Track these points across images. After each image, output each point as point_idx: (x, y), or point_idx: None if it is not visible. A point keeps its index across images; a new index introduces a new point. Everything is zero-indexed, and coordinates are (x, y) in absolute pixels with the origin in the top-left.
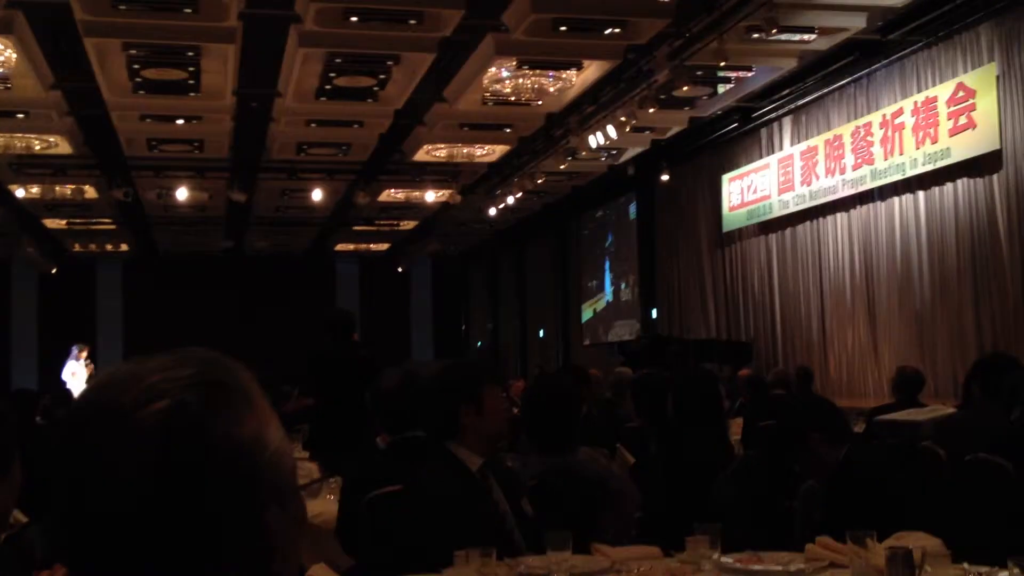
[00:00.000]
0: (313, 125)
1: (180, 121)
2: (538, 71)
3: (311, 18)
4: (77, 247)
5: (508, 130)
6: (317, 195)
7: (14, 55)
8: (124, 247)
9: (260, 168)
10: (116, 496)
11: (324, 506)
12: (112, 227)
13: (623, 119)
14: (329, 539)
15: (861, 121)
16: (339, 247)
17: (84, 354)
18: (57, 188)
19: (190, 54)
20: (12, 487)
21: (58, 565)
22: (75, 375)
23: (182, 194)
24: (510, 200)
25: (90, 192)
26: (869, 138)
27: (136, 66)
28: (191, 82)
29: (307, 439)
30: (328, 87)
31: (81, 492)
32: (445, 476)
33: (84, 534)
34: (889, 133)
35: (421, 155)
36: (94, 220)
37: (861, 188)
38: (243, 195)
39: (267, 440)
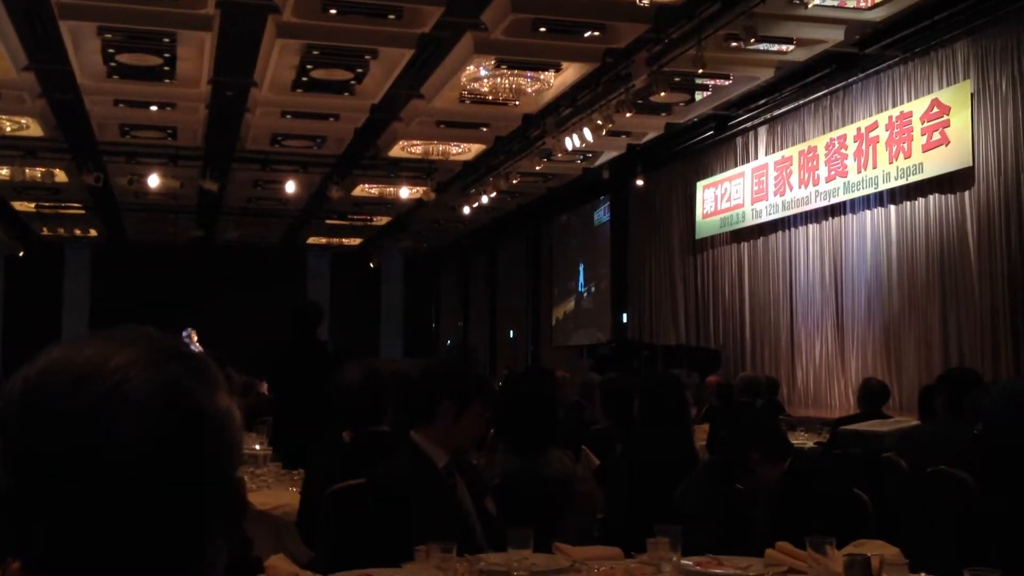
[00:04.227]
0: (288, 117)
1: (154, 108)
2: (516, 71)
3: (289, 9)
4: (45, 231)
5: (484, 129)
6: (290, 187)
7: None
8: (93, 232)
9: (233, 158)
10: (114, 462)
11: (285, 498)
12: (81, 212)
13: (599, 122)
14: (290, 531)
15: (836, 133)
16: (311, 240)
17: (195, 338)
18: (27, 171)
19: (166, 40)
20: None
21: (10, 559)
22: None
23: (153, 181)
24: (484, 199)
25: (60, 176)
26: (843, 151)
27: (111, 50)
28: (166, 68)
29: (271, 431)
30: (304, 79)
31: (68, 464)
32: (409, 471)
33: (69, 507)
34: (863, 146)
35: (396, 151)
36: (63, 204)
37: (834, 200)
38: (215, 184)
39: (235, 415)
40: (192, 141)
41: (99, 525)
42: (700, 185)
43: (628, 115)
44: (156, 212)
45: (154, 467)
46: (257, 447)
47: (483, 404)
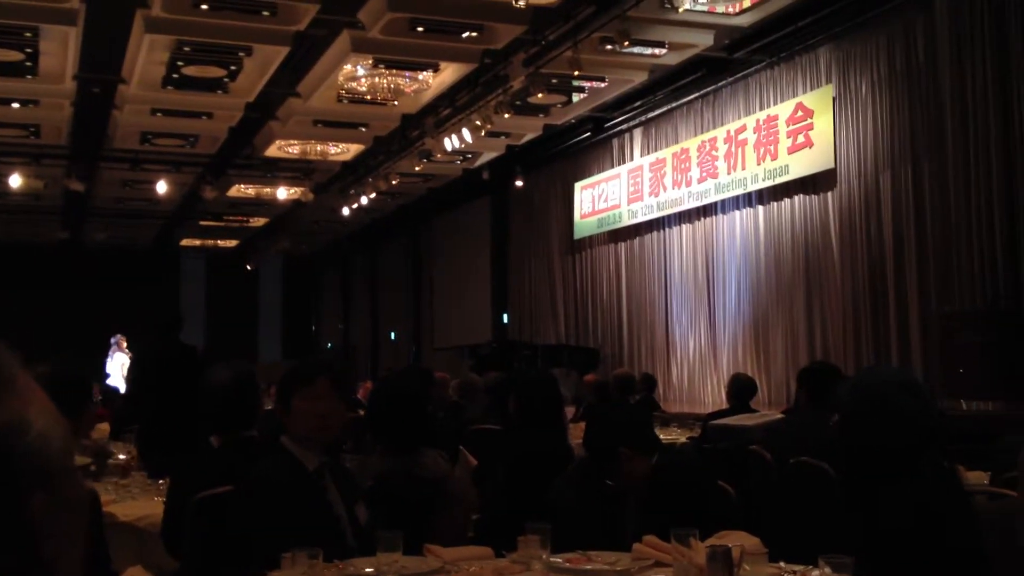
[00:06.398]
0: (159, 115)
1: (15, 104)
2: (394, 71)
3: (158, 3)
4: None
5: (363, 129)
6: (162, 187)
7: None
8: None
9: (101, 157)
10: None
11: (150, 508)
12: None
13: (478, 123)
14: (154, 541)
15: (707, 136)
16: (184, 242)
17: (124, 344)
18: None
19: (28, 35)
20: None
21: None
22: (124, 366)
23: (15, 181)
24: (364, 200)
25: None
26: (714, 152)
27: None
28: (28, 64)
29: (138, 439)
30: (176, 76)
31: None
32: (278, 475)
33: None
34: (733, 148)
35: (273, 151)
36: None
37: (706, 201)
38: (81, 185)
39: (28, 422)
40: (56, 139)
41: None
42: (578, 186)
43: (507, 116)
44: (18, 213)
45: None
46: (122, 456)
47: (306, 388)
